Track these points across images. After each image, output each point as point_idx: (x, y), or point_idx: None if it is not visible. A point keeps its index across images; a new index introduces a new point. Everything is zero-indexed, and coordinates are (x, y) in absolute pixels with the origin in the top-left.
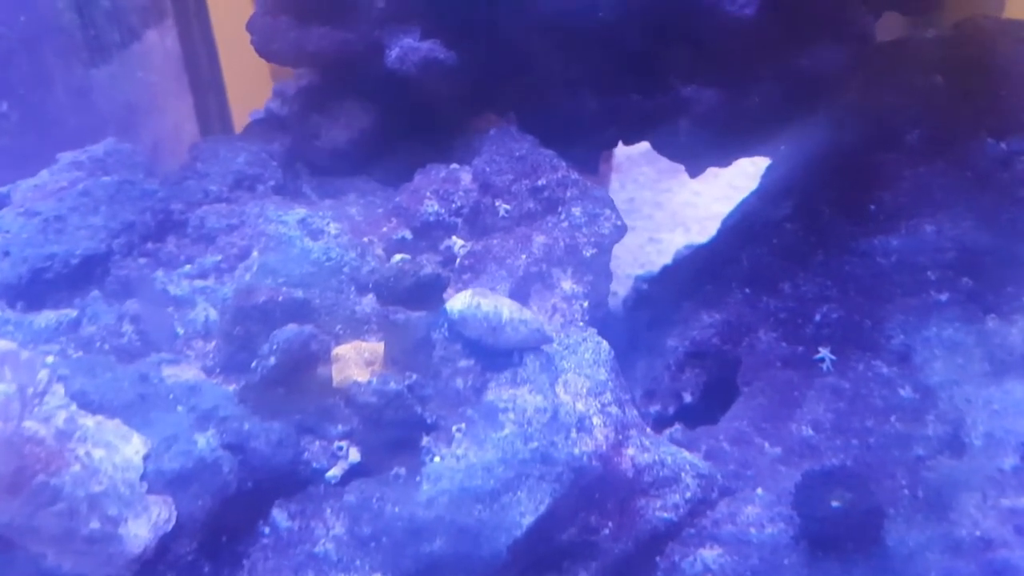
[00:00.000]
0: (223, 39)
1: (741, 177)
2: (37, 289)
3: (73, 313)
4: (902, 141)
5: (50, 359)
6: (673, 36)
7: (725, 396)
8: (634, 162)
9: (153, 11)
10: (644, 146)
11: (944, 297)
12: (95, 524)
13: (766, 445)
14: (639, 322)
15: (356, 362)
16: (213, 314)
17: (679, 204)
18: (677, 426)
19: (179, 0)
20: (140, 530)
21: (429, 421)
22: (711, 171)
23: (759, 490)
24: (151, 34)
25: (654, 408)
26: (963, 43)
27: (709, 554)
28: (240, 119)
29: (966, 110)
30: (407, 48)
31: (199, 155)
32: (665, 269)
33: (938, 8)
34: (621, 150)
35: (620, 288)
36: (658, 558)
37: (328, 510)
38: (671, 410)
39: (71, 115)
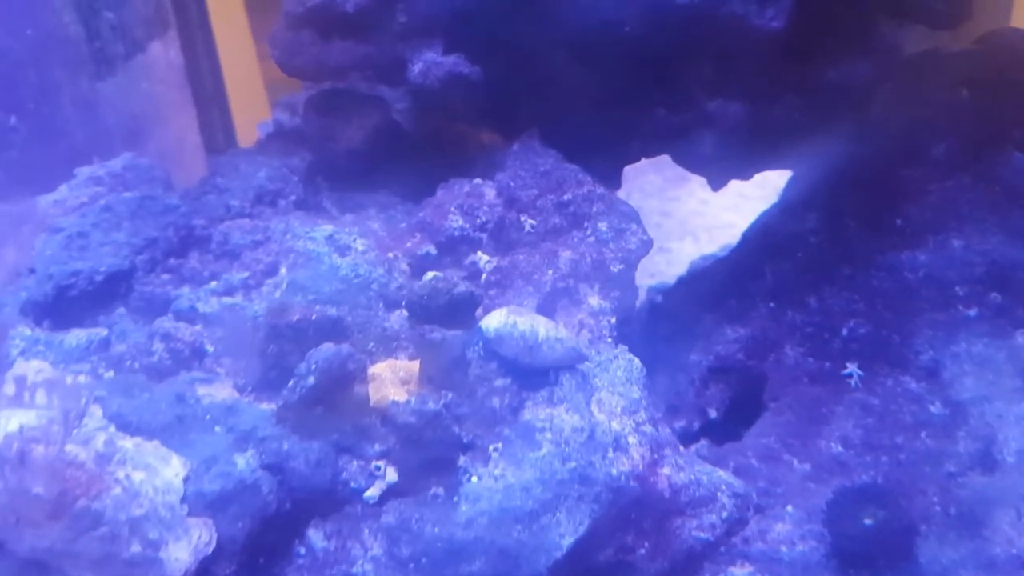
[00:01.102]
0: (225, 51)
1: (750, 186)
2: (62, 306)
3: (103, 332)
4: (928, 155)
5: (83, 378)
6: (699, 50)
7: (750, 412)
8: (640, 171)
9: (157, 23)
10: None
11: (973, 312)
12: (136, 548)
13: (795, 462)
14: (657, 335)
15: (392, 381)
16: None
17: (687, 213)
18: (703, 442)
19: (182, 12)
20: (181, 553)
21: (465, 440)
22: None
23: (789, 507)
24: (155, 46)
25: (679, 424)
26: (990, 56)
27: (740, 572)
28: (242, 130)
29: (993, 123)
30: (430, 62)
31: (219, 170)
32: (681, 280)
33: (964, 21)
34: None
35: (634, 305)
36: None
37: (366, 531)
38: (696, 426)
39: (78, 128)
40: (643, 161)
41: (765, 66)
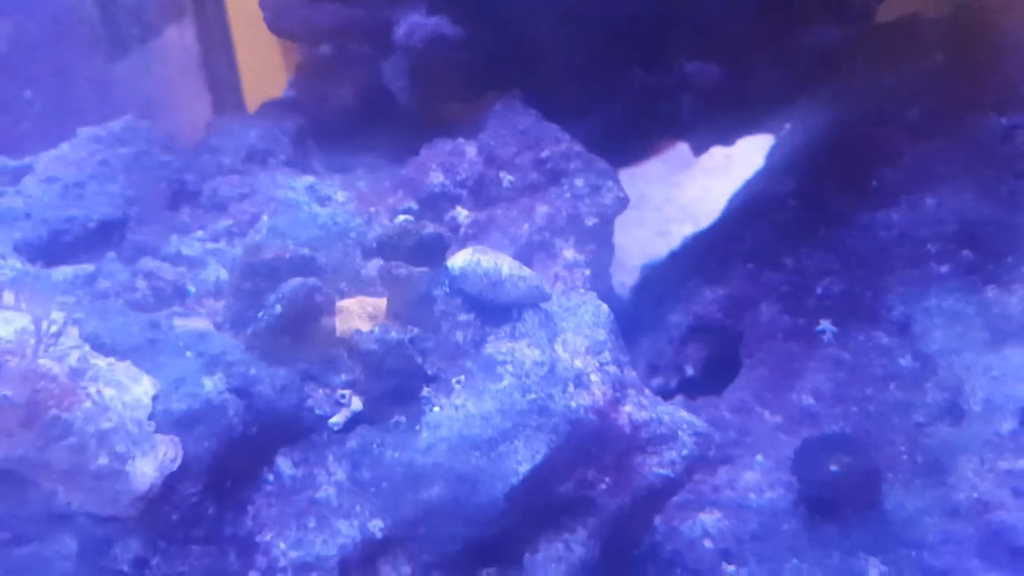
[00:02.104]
0: (240, 37)
1: (752, 171)
2: (56, 250)
3: (90, 268)
4: (903, 118)
5: (65, 300)
6: (677, 13)
7: (727, 370)
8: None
9: (173, 9)
10: None
11: (944, 269)
12: (103, 460)
13: (767, 414)
14: (644, 303)
15: (359, 315)
16: (224, 274)
17: (689, 199)
18: (679, 398)
19: None
20: (147, 468)
21: (430, 373)
22: (721, 166)
23: (759, 457)
24: (170, 31)
25: (656, 381)
26: (964, 22)
27: (708, 518)
28: None
29: (966, 87)
30: (414, 24)
31: (213, 131)
32: (673, 253)
33: None
34: None
35: (629, 279)
36: (657, 521)
37: (330, 456)
38: (673, 383)
39: (91, 105)
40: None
41: (741, 30)
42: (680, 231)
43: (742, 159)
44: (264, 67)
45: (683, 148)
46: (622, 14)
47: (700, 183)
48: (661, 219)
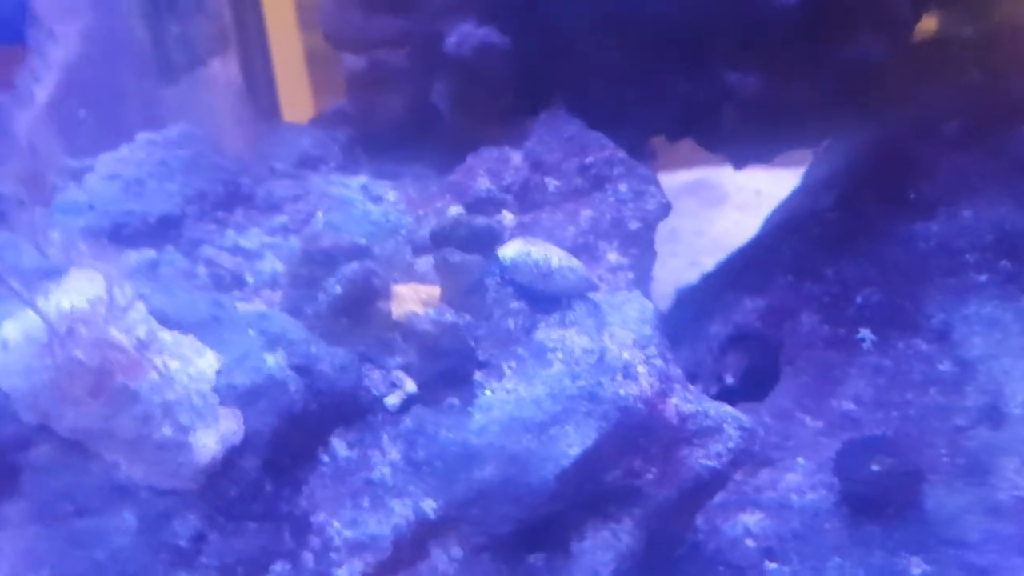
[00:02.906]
0: (282, 71)
1: None
2: (117, 241)
3: (152, 253)
4: (940, 132)
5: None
6: (720, 24)
7: (767, 379)
8: (675, 195)
9: (218, 41)
10: (686, 179)
11: (983, 278)
12: (167, 431)
13: (807, 419)
14: (682, 318)
15: (413, 300)
16: (280, 267)
17: (720, 232)
18: None
19: (242, 32)
20: (209, 441)
21: (481, 359)
22: (752, 199)
23: (800, 459)
24: (215, 62)
25: (696, 389)
26: (999, 40)
27: (750, 518)
28: None
29: (1002, 103)
30: (464, 34)
31: (266, 139)
32: (706, 275)
33: (978, 4)
34: (662, 183)
35: (662, 306)
36: (699, 520)
37: (385, 437)
38: (713, 391)
39: (141, 127)
40: (678, 184)
41: (782, 42)
42: (712, 262)
43: (773, 195)
44: (306, 98)
45: (712, 183)
46: (664, 24)
47: (731, 217)
48: (692, 251)
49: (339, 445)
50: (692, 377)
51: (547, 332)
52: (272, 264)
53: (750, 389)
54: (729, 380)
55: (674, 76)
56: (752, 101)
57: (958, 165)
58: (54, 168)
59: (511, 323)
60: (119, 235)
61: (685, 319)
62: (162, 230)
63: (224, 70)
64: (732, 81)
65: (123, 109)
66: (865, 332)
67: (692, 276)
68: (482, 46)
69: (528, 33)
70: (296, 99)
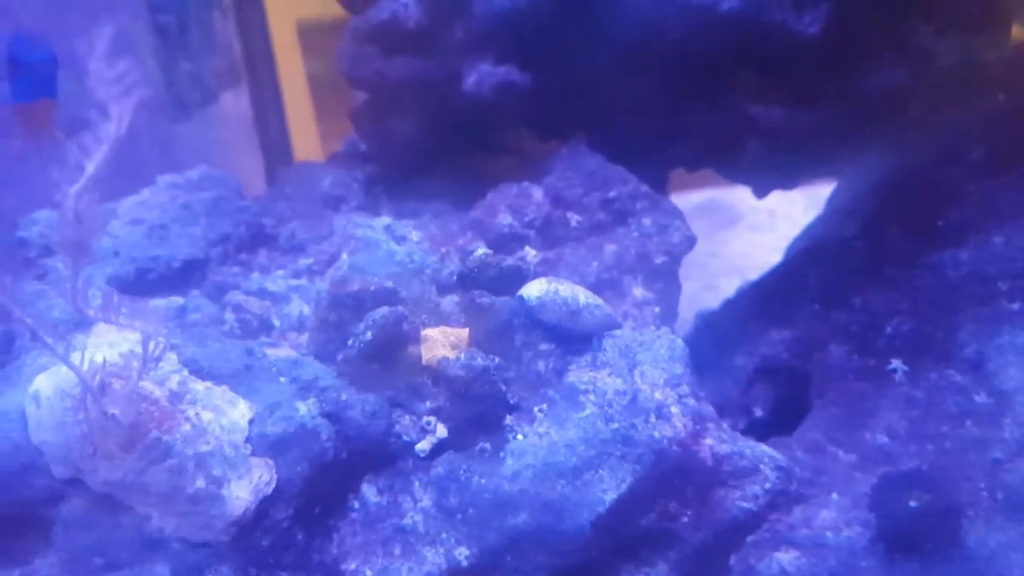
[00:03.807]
0: (291, 102)
1: (797, 228)
2: (143, 287)
3: (180, 300)
4: (967, 157)
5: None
6: (741, 55)
7: (796, 411)
8: (687, 216)
9: (230, 76)
10: (698, 200)
11: (1016, 306)
12: (200, 483)
13: (840, 453)
14: (703, 347)
15: (443, 344)
16: (306, 309)
17: (735, 254)
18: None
19: (252, 67)
20: (242, 492)
21: (512, 401)
22: (767, 223)
23: (834, 495)
24: (227, 97)
25: (724, 423)
26: None
27: (785, 557)
28: None
29: None
30: (484, 73)
31: (287, 180)
32: (727, 301)
33: (1002, 26)
34: (674, 203)
35: (679, 329)
36: (732, 560)
37: (416, 483)
38: (741, 425)
39: (155, 164)
40: (690, 206)
41: (805, 72)
42: (728, 285)
43: (786, 215)
44: (312, 131)
45: (724, 203)
46: (685, 57)
47: (745, 238)
48: (708, 274)
49: (369, 491)
50: (719, 410)
51: (578, 374)
52: (299, 307)
53: (779, 422)
54: (758, 413)
55: (695, 109)
56: (775, 132)
57: (986, 191)
58: (97, 237)
59: (541, 365)
60: (145, 281)
61: (708, 349)
62: (187, 274)
63: (236, 104)
64: (755, 113)
65: (139, 149)
66: (896, 363)
67: (709, 300)
68: (501, 85)
69: (547, 68)
70: (303, 125)
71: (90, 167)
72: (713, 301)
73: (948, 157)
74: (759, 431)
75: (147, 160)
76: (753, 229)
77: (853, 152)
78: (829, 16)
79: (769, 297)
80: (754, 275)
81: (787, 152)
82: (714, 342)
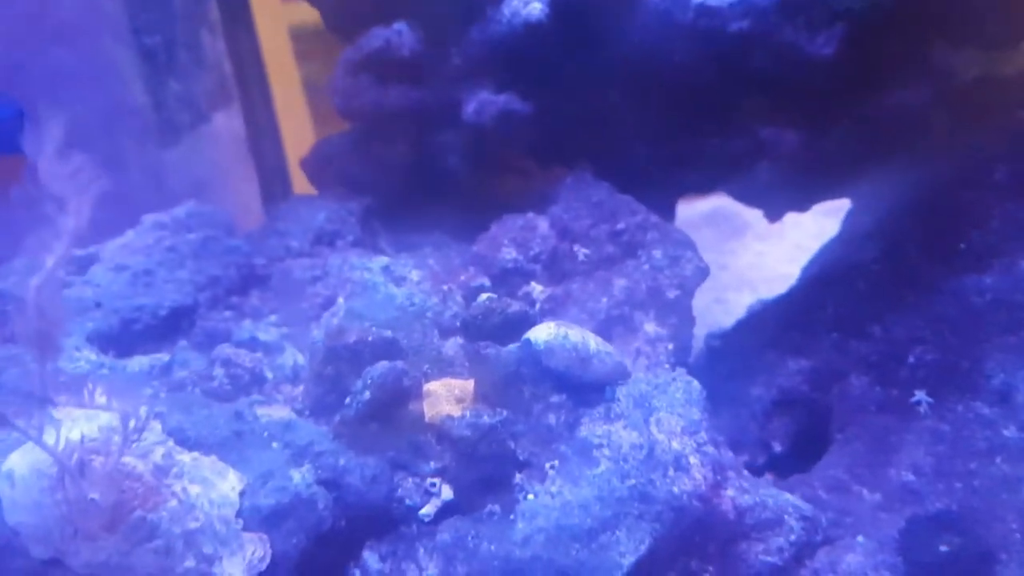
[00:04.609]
0: (286, 123)
1: (807, 237)
2: (127, 339)
3: (165, 357)
4: (990, 178)
5: (145, 393)
6: (751, 78)
7: (816, 445)
8: (694, 226)
9: (221, 96)
10: (703, 209)
11: None
12: (190, 562)
13: (864, 492)
14: (718, 374)
15: (447, 399)
16: (300, 359)
17: (744, 265)
18: (768, 476)
19: (245, 85)
20: (234, 570)
21: (521, 458)
22: (776, 232)
23: (860, 538)
24: (219, 117)
25: (742, 459)
26: None
27: None
28: None
29: None
30: (483, 101)
31: (279, 215)
32: (740, 323)
33: (1020, 42)
34: (680, 214)
35: (693, 350)
36: None
37: (421, 550)
38: (761, 460)
39: (144, 192)
40: (697, 215)
41: (819, 93)
42: (738, 299)
43: (795, 222)
44: (307, 132)
45: (730, 212)
46: (693, 81)
47: (754, 249)
48: (717, 287)
49: (371, 559)
50: (738, 445)
51: (591, 427)
52: (293, 357)
53: (799, 456)
54: (777, 448)
55: (704, 133)
56: (788, 155)
57: (1010, 213)
58: (61, 328)
59: (552, 418)
60: (130, 332)
61: (722, 377)
62: (175, 322)
63: (228, 123)
64: (766, 136)
65: (127, 177)
66: (920, 394)
67: (718, 313)
68: (502, 114)
69: (549, 95)
70: (299, 136)
71: (50, 261)
72: (723, 315)
73: (969, 178)
74: (780, 467)
75: (136, 187)
76: (761, 239)
77: (870, 174)
78: (843, 36)
79: (785, 323)
80: (764, 288)
81: (800, 175)
82: (728, 369)
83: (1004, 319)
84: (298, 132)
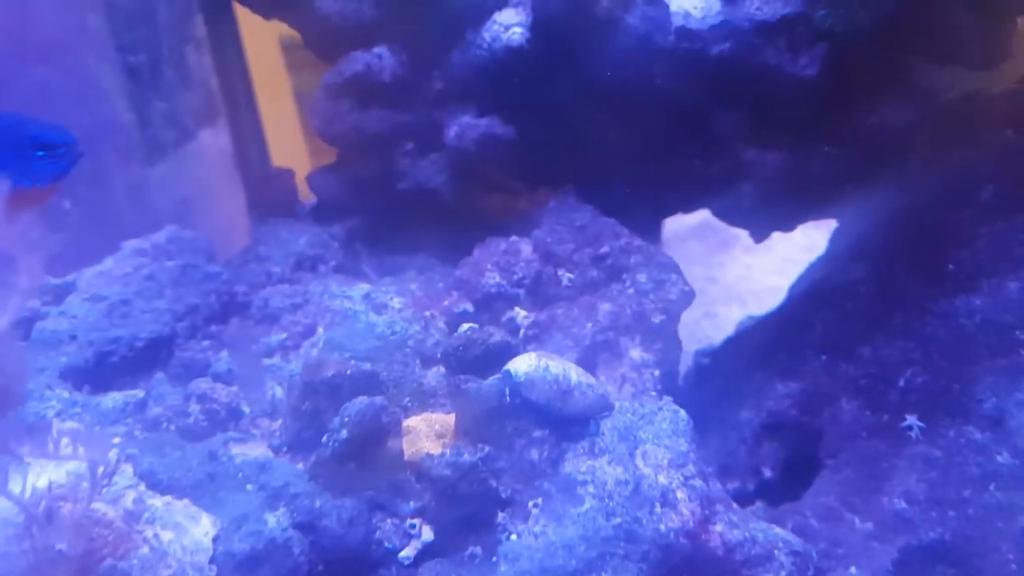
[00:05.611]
0: (274, 138)
1: (795, 250)
2: (103, 372)
3: (140, 394)
4: (977, 198)
5: (117, 439)
6: (733, 100)
7: (807, 470)
8: (681, 238)
9: (207, 112)
10: (691, 222)
11: None
12: None
13: (856, 521)
14: (706, 395)
15: (427, 435)
16: (279, 392)
17: (732, 278)
18: (758, 504)
19: (231, 101)
20: None
21: (504, 496)
22: (764, 245)
23: (853, 569)
24: (205, 134)
25: (732, 485)
26: None
27: None
28: None
29: None
30: (465, 126)
31: (260, 239)
32: (728, 340)
33: (1003, 61)
34: (668, 227)
35: (681, 367)
36: None
37: None
38: (751, 487)
39: (128, 211)
40: (684, 228)
41: (802, 114)
42: (727, 312)
43: (783, 237)
44: (296, 166)
45: (718, 224)
46: (675, 103)
47: (742, 262)
48: (706, 301)
49: None
50: (727, 471)
51: (575, 463)
52: (271, 390)
53: (789, 482)
54: (767, 474)
55: (688, 155)
56: (772, 176)
57: (997, 233)
58: (19, 381)
59: (535, 454)
60: (105, 365)
61: (711, 397)
62: (152, 353)
63: (215, 139)
64: (749, 158)
65: (111, 195)
66: (911, 419)
67: (708, 328)
68: (483, 139)
69: (531, 118)
70: (290, 150)
71: (3, 320)
72: (712, 330)
73: (956, 197)
74: (769, 493)
75: (120, 208)
76: (750, 251)
77: (855, 194)
78: (826, 57)
79: (774, 344)
80: (753, 301)
81: (785, 195)
82: (718, 390)
83: (994, 341)
84: (288, 146)
